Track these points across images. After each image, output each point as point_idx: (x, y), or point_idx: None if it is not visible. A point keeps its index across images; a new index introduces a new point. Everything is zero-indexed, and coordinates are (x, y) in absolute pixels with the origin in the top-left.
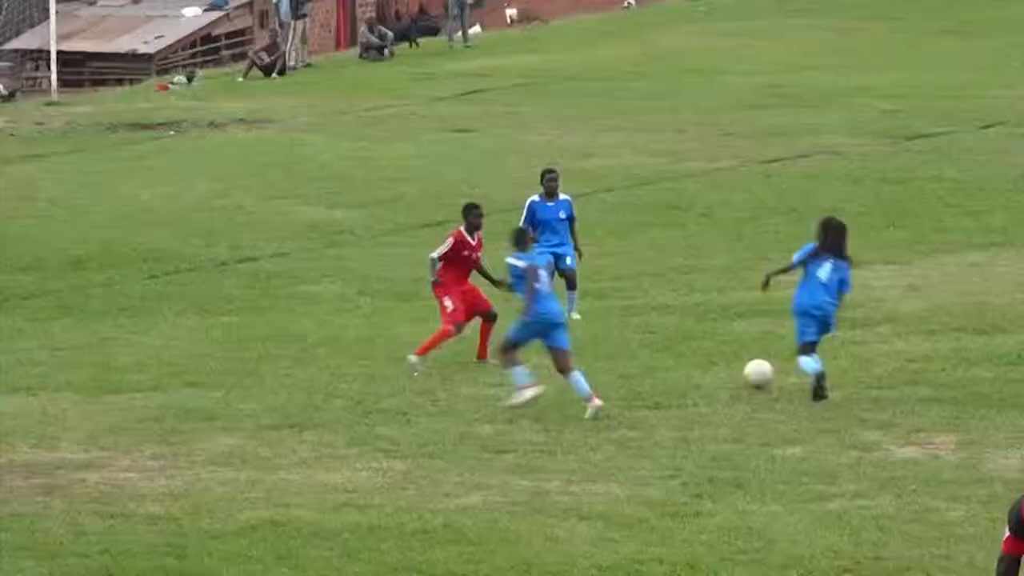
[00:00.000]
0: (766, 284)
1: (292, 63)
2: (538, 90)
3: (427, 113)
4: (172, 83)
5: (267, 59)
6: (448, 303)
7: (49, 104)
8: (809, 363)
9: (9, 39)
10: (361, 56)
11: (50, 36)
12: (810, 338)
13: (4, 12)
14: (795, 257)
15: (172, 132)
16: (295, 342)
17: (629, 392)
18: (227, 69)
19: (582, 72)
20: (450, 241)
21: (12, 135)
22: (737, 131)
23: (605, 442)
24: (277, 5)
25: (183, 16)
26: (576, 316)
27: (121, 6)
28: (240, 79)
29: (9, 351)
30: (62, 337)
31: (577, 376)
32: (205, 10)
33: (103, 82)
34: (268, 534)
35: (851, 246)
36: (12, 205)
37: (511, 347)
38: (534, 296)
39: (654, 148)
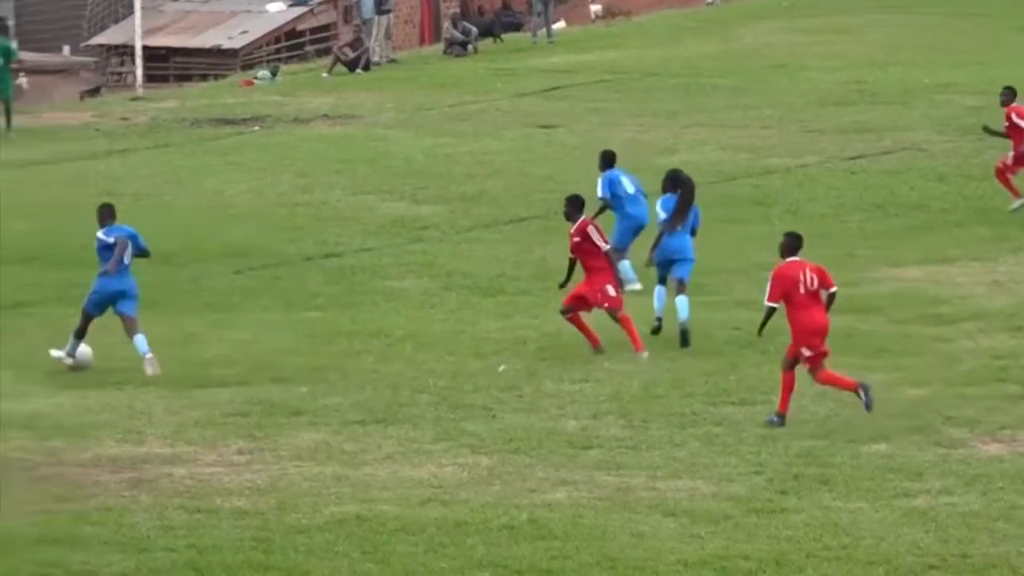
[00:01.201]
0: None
1: (376, 59)
2: (621, 86)
3: (511, 109)
4: (256, 78)
5: (351, 55)
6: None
7: (134, 99)
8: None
9: (94, 34)
10: (445, 52)
11: (135, 31)
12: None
13: (90, 8)
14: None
15: (257, 127)
16: (380, 337)
17: (714, 388)
18: (311, 65)
19: (665, 68)
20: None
21: (97, 130)
22: (821, 127)
23: (690, 438)
24: (359, 1)
25: (267, 12)
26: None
27: (205, 1)
28: (325, 75)
29: (96, 345)
30: (148, 332)
31: (139, 338)
32: (289, 6)
33: (187, 77)
34: (354, 529)
35: (937, 243)
36: (97, 200)
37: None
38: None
39: (738, 144)
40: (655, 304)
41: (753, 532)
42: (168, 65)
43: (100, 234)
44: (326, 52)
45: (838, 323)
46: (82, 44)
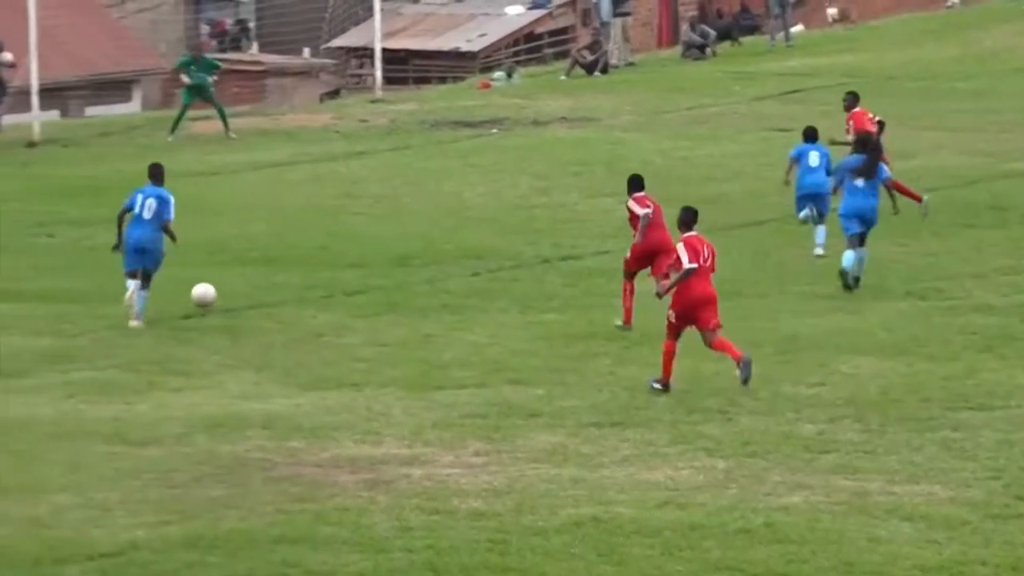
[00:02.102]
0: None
1: (614, 61)
2: (859, 89)
3: (748, 112)
4: (493, 79)
5: (589, 57)
6: None
7: (373, 101)
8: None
9: (334, 37)
10: (683, 55)
11: (375, 34)
12: (855, 231)
13: (330, 10)
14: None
15: (495, 130)
16: (617, 340)
17: (952, 393)
18: (549, 67)
19: (904, 72)
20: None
21: (337, 132)
22: None
23: (928, 443)
24: (597, 4)
25: (506, 14)
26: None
27: (444, 4)
28: (563, 77)
29: (335, 347)
30: (387, 333)
31: (142, 294)
32: (528, 8)
33: (426, 79)
34: (590, 531)
35: None
36: (338, 202)
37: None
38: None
39: (976, 148)
40: (844, 263)
41: (990, 537)
42: (407, 67)
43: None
44: (564, 55)
45: None
46: (322, 46)
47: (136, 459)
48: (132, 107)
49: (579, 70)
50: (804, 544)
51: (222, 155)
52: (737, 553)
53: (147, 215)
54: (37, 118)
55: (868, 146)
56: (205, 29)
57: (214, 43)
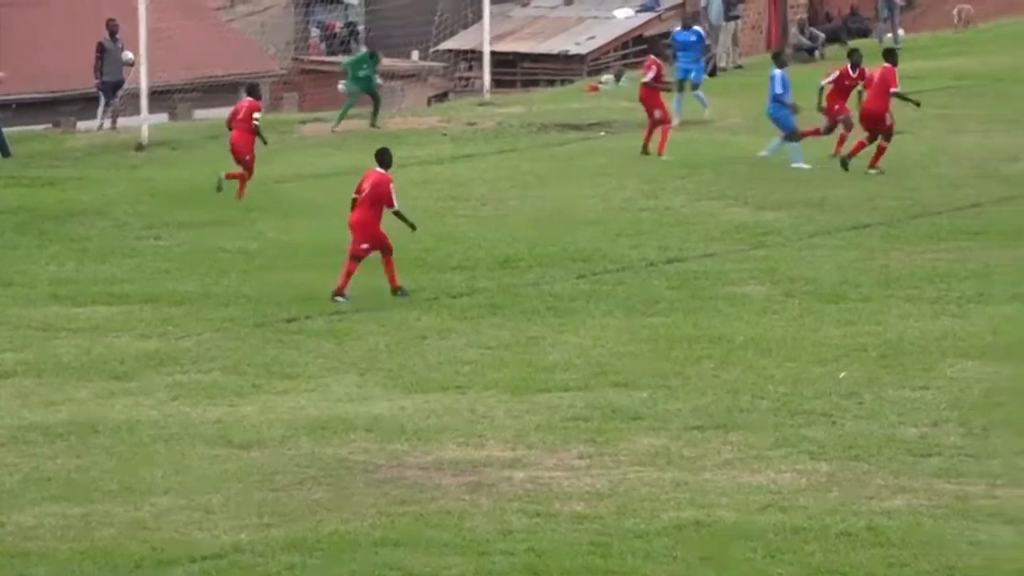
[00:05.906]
0: None
1: (723, 64)
2: (969, 92)
3: (857, 114)
4: (600, 83)
5: None
6: None
7: (481, 104)
8: None
9: (443, 40)
10: (791, 57)
11: (483, 37)
12: None
13: (439, 14)
14: None
15: (603, 132)
16: (721, 343)
17: None
18: None
19: (1015, 74)
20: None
21: (445, 135)
22: None
23: None
24: (707, 7)
25: (615, 18)
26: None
27: (553, 8)
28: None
29: (439, 349)
30: (490, 336)
31: None
32: (637, 12)
33: (534, 83)
34: (692, 534)
35: None
36: (444, 204)
37: None
38: None
39: None
40: None
41: None
42: (515, 70)
43: None
44: (673, 58)
45: None
46: (431, 49)
47: (239, 462)
48: None
49: None
50: (906, 548)
51: (330, 158)
52: (839, 557)
53: None
54: (146, 121)
55: None
56: (315, 32)
57: (323, 46)
